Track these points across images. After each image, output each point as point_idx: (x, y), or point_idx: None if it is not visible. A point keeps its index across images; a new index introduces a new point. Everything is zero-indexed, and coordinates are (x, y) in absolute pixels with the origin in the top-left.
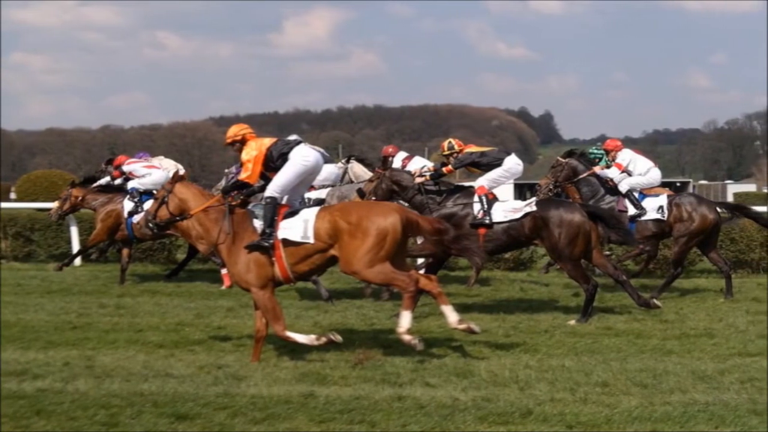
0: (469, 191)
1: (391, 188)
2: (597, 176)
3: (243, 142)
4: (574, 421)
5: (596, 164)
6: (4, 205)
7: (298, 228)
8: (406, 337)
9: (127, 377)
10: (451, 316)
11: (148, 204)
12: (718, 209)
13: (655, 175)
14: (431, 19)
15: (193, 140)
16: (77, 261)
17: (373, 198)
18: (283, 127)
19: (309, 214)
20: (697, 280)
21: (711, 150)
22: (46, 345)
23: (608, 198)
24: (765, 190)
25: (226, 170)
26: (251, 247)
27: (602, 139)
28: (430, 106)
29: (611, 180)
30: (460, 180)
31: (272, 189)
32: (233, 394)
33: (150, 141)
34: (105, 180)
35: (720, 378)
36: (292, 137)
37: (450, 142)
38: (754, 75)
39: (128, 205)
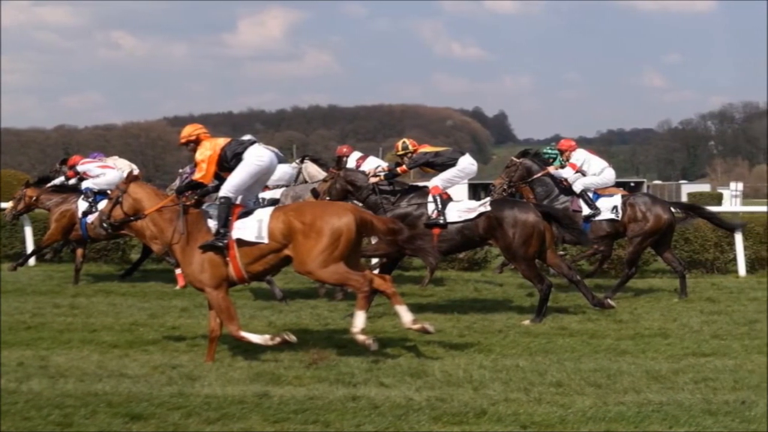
0: (424, 191)
1: (346, 188)
2: (551, 176)
3: (197, 142)
4: (528, 421)
5: (550, 164)
6: None
7: (253, 228)
8: (361, 337)
9: (82, 377)
10: (406, 316)
11: (103, 204)
12: (673, 209)
13: (609, 175)
14: (385, 19)
15: (148, 140)
16: (31, 261)
17: (328, 198)
18: (238, 127)
19: (263, 214)
20: (652, 280)
21: (665, 150)
22: None
23: (562, 198)
24: (719, 190)
25: (180, 170)
26: (205, 247)
27: (556, 139)
28: (385, 106)
29: (565, 180)
30: (415, 180)
31: (226, 189)
32: (187, 394)
33: (104, 141)
34: (59, 180)
35: (674, 378)
36: (247, 137)
37: (404, 142)
38: (708, 75)
39: (82, 205)
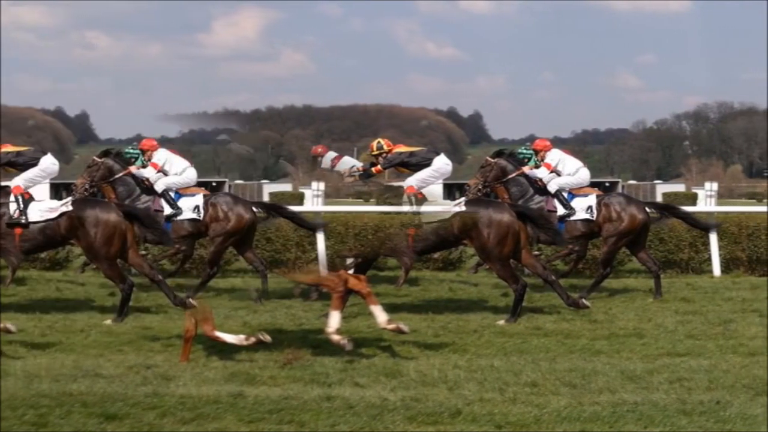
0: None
1: None
2: (526, 176)
3: None
4: (503, 421)
5: (525, 164)
6: None
7: None
8: (335, 337)
9: (57, 377)
10: (380, 316)
11: None
12: (648, 209)
13: (584, 175)
14: (360, 19)
15: None
16: None
17: None
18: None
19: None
20: (626, 280)
21: (640, 150)
22: None
23: (537, 198)
24: (694, 190)
25: None
26: None
27: (531, 139)
28: (360, 106)
29: (540, 180)
30: (390, 180)
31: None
32: (162, 394)
33: None
34: None
35: (649, 378)
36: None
37: (379, 142)
38: (682, 75)
39: None
